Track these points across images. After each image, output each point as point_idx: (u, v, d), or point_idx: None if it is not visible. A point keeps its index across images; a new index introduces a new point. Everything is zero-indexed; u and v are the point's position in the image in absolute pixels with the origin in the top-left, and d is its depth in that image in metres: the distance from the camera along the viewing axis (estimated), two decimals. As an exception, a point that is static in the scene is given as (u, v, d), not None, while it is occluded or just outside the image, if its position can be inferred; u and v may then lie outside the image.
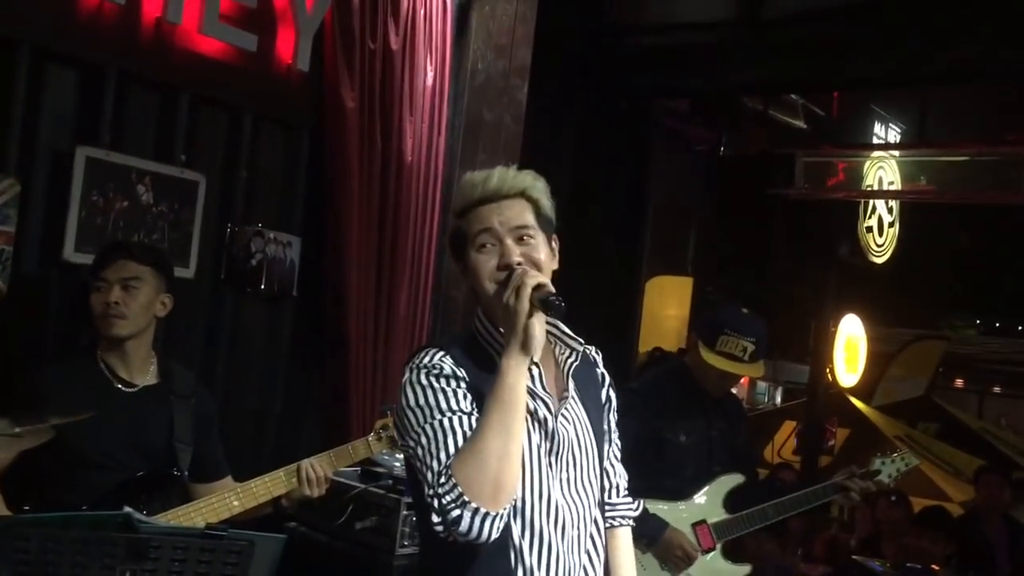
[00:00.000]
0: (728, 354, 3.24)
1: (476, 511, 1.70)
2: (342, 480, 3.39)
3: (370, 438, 3.05)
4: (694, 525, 3.22)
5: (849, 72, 5.26)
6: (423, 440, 1.79)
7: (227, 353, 3.80)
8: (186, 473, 2.81)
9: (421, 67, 4.27)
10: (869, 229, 9.63)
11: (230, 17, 3.62)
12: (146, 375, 2.82)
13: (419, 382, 1.85)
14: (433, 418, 1.80)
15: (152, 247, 3.02)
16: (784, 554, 5.27)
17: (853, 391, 10.34)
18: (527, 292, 1.78)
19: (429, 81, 4.32)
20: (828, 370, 9.57)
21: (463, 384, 1.84)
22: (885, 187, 8.50)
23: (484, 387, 1.84)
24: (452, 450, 1.75)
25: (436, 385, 1.83)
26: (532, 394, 1.89)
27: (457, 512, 1.70)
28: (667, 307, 6.64)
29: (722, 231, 7.29)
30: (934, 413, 12.33)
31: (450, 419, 1.79)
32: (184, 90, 3.55)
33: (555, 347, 2.01)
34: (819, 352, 9.36)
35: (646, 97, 5.32)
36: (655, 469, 3.14)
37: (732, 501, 3.28)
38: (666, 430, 3.18)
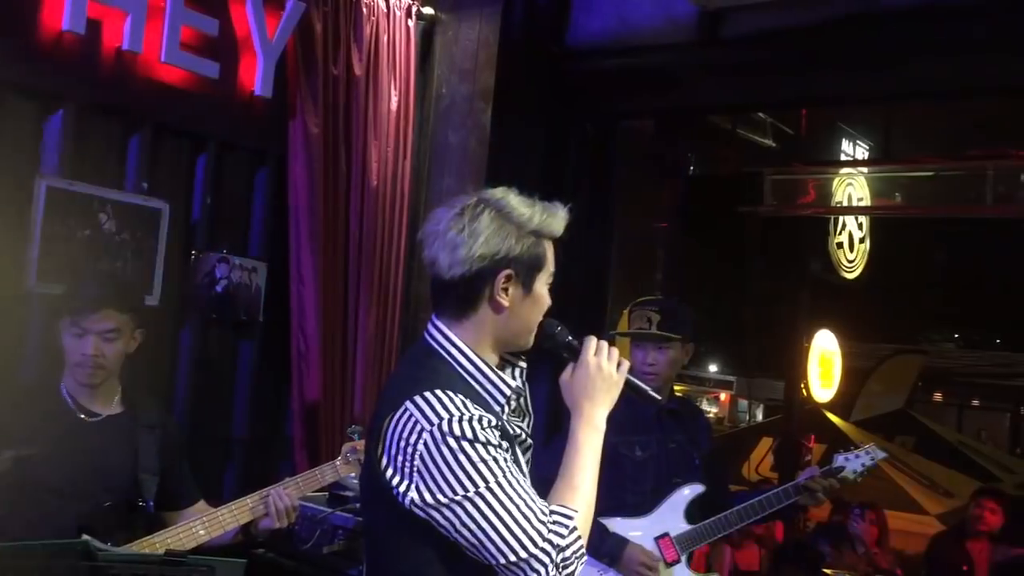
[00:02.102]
0: (636, 328, 3.33)
1: (582, 557, 1.76)
2: (310, 504, 3.38)
3: (338, 462, 3.04)
4: (657, 539, 3.21)
5: (811, 90, 5.31)
6: (498, 503, 1.70)
7: (193, 380, 3.79)
8: (151, 503, 2.79)
9: (385, 92, 4.30)
10: (840, 245, 9.72)
11: (191, 45, 3.65)
12: (110, 405, 2.80)
13: (465, 449, 1.71)
14: (505, 478, 1.72)
15: (127, 287, 2.98)
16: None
17: (829, 406, 10.39)
18: (627, 367, 1.95)
19: (393, 106, 4.36)
20: (803, 386, 9.62)
21: (503, 445, 1.78)
22: (854, 203, 8.61)
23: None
24: (538, 507, 1.73)
25: (488, 455, 1.73)
26: (521, 427, 1.92)
27: (575, 566, 1.73)
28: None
29: (692, 251, 7.34)
30: (912, 427, 12.41)
31: (519, 476, 1.76)
32: (146, 118, 3.57)
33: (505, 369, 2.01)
34: (793, 368, 9.41)
35: (611, 119, 5.36)
36: (615, 486, 3.13)
37: (695, 511, 3.28)
38: (621, 447, 3.18)
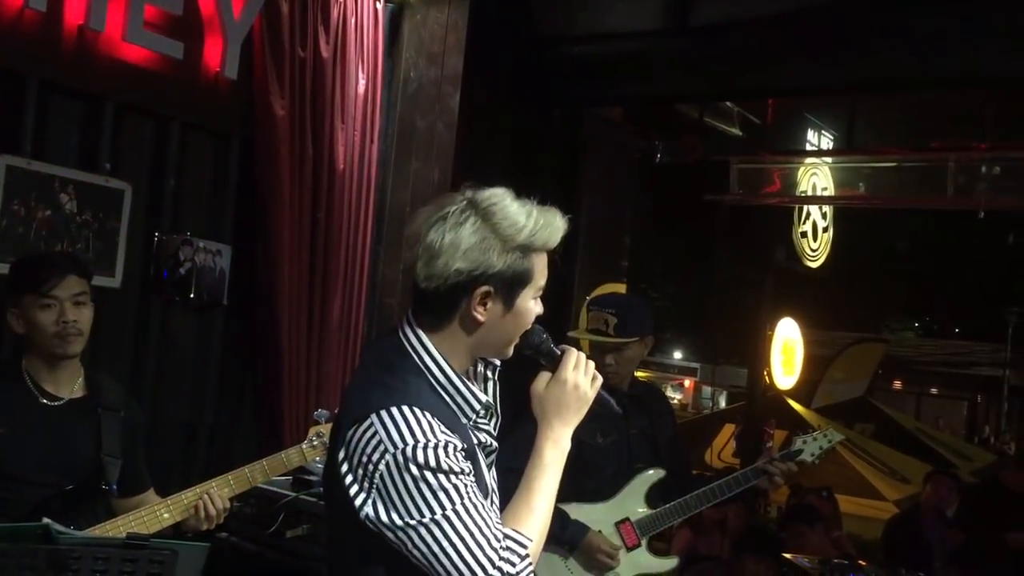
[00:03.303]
0: (593, 329, 3.30)
1: None
2: (273, 488, 3.37)
3: (304, 446, 3.02)
4: (617, 524, 3.21)
5: (777, 80, 5.36)
6: (452, 530, 1.69)
7: (156, 364, 3.76)
8: (115, 487, 2.76)
9: (352, 75, 4.27)
10: (804, 234, 9.82)
11: (155, 24, 3.60)
12: (73, 388, 2.77)
13: (427, 478, 1.68)
14: (463, 504, 1.70)
15: (78, 256, 2.96)
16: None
17: (791, 393, 10.51)
18: (600, 382, 1.91)
19: (361, 89, 4.33)
20: (765, 373, 9.72)
21: (465, 468, 1.74)
22: (819, 193, 8.70)
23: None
24: (492, 533, 1.71)
25: (448, 483, 1.69)
26: (487, 432, 1.90)
27: None
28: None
29: (659, 239, 7.38)
30: (871, 414, 12.59)
31: (479, 502, 1.73)
32: (109, 98, 3.52)
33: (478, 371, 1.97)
34: (756, 355, 9.51)
35: (579, 106, 5.38)
36: (575, 472, 3.13)
37: (655, 496, 3.28)
38: (582, 433, 3.15)
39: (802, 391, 11.06)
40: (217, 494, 2.78)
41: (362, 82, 4.34)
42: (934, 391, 23.05)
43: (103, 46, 3.46)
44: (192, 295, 3.80)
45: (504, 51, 4.77)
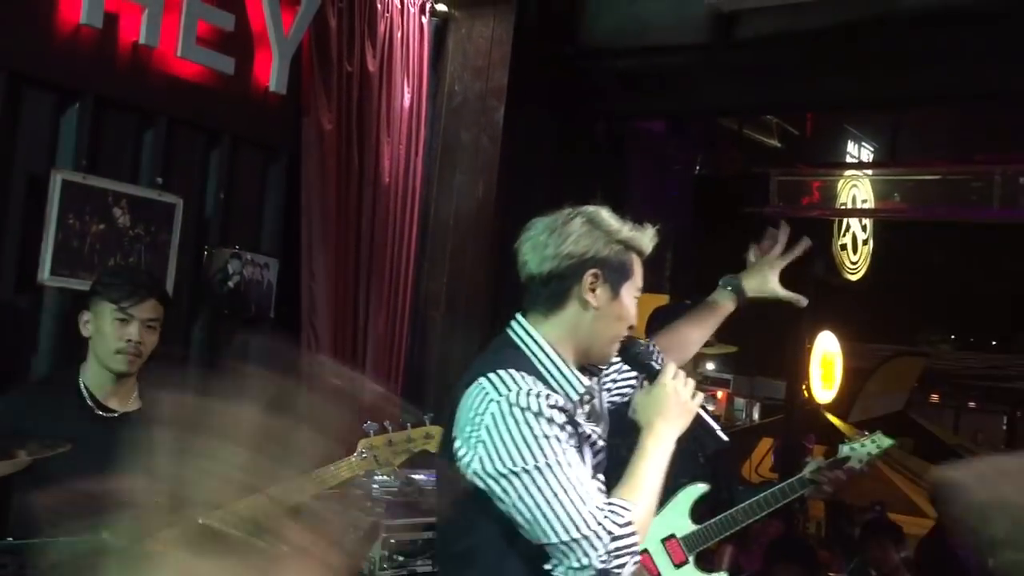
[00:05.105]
0: None
1: (634, 555, 1.80)
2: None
3: (353, 458, 3.02)
4: (663, 540, 3.17)
5: (822, 93, 5.32)
6: (556, 481, 1.77)
7: (204, 375, 3.78)
8: (165, 498, 2.77)
9: (398, 89, 4.30)
10: (843, 247, 9.71)
11: (207, 40, 3.64)
12: (128, 401, 2.79)
13: (529, 421, 1.78)
14: (565, 457, 1.80)
15: (161, 283, 3.00)
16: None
17: (829, 407, 10.37)
18: (701, 398, 2.01)
19: (406, 103, 4.35)
20: (804, 386, 9.60)
21: (567, 429, 1.85)
22: (858, 205, 8.61)
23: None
24: (594, 494, 1.80)
25: (551, 432, 1.80)
26: (594, 430, 1.98)
27: (627, 559, 1.77)
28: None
29: (699, 250, 7.33)
30: (910, 429, 12.39)
31: (579, 465, 1.83)
32: (161, 113, 3.56)
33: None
34: (794, 369, 9.40)
35: (621, 118, 5.37)
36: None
37: (700, 511, 3.23)
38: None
39: (841, 405, 10.91)
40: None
41: (408, 96, 4.36)
42: (972, 405, 22.68)
43: (156, 62, 3.51)
44: (240, 308, 3.83)
45: (548, 64, 4.77)
